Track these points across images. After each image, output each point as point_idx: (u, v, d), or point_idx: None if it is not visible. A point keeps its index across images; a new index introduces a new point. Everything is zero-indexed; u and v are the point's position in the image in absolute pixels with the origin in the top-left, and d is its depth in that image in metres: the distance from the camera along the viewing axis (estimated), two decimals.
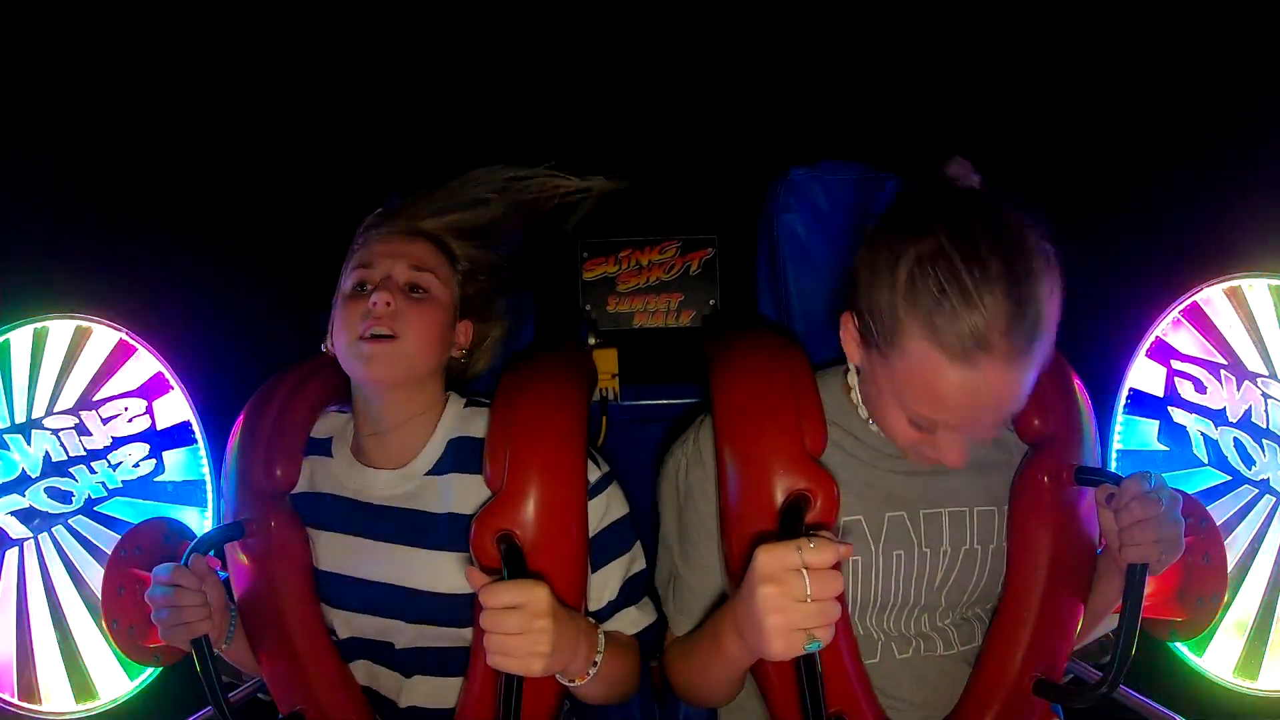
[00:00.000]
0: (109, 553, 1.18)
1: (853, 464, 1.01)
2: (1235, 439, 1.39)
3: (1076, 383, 1.09)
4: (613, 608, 1.05)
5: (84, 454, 1.39)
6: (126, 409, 1.41)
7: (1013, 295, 0.77)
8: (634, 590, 1.07)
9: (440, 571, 1.02)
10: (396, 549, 1.04)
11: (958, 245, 0.78)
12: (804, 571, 0.77)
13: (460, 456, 1.06)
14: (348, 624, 1.06)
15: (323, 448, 1.11)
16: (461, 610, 1.01)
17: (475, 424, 1.08)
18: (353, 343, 1.01)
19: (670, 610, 1.09)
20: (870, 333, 0.87)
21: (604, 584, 1.04)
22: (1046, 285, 0.80)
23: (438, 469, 1.06)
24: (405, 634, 1.04)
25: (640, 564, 1.08)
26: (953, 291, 0.77)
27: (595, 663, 0.95)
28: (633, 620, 1.06)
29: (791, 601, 0.77)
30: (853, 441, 1.03)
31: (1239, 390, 1.39)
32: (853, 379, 1.04)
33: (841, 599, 0.80)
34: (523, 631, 0.84)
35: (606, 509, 1.05)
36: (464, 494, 1.03)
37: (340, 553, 1.05)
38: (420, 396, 1.07)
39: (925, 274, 0.79)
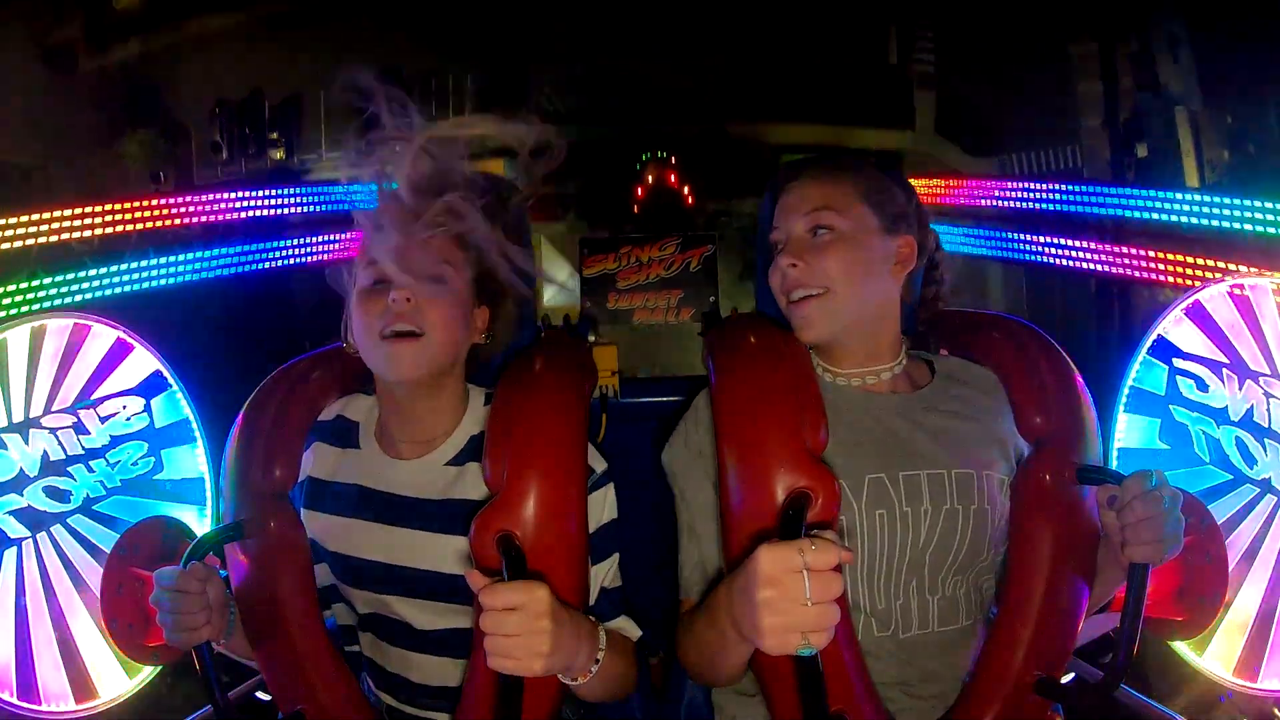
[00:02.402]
0: (108, 552, 1.18)
1: (834, 428, 1.02)
2: (1237, 438, 1.38)
3: (1078, 381, 1.09)
4: (602, 612, 1.05)
5: (82, 453, 1.38)
6: (125, 407, 1.40)
7: (815, 161, 1.18)
8: (618, 601, 1.07)
9: (460, 554, 1.03)
10: (418, 534, 1.05)
11: None
12: (804, 574, 0.77)
13: (480, 451, 1.07)
14: (368, 603, 1.09)
15: (350, 437, 1.12)
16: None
17: None
18: (376, 342, 1.01)
19: (683, 578, 1.09)
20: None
21: (596, 582, 1.05)
22: (847, 163, 1.14)
23: (457, 460, 1.08)
24: (425, 613, 1.06)
25: (617, 579, 1.08)
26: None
27: (597, 660, 0.95)
28: (627, 631, 1.07)
29: (791, 604, 0.77)
30: (832, 406, 1.04)
31: (1241, 389, 1.39)
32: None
33: (842, 601, 0.80)
34: (523, 633, 0.84)
35: (604, 509, 1.06)
36: (480, 483, 1.05)
37: (365, 539, 1.07)
38: (443, 388, 1.08)
39: None
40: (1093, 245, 1.95)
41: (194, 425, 1.43)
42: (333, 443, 1.12)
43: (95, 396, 1.39)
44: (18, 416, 1.37)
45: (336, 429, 1.13)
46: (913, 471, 1.03)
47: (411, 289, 1.00)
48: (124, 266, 1.58)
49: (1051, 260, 2.07)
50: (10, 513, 1.35)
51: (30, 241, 1.52)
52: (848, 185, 1.09)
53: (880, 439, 1.05)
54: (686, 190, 3.09)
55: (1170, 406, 1.42)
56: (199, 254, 1.68)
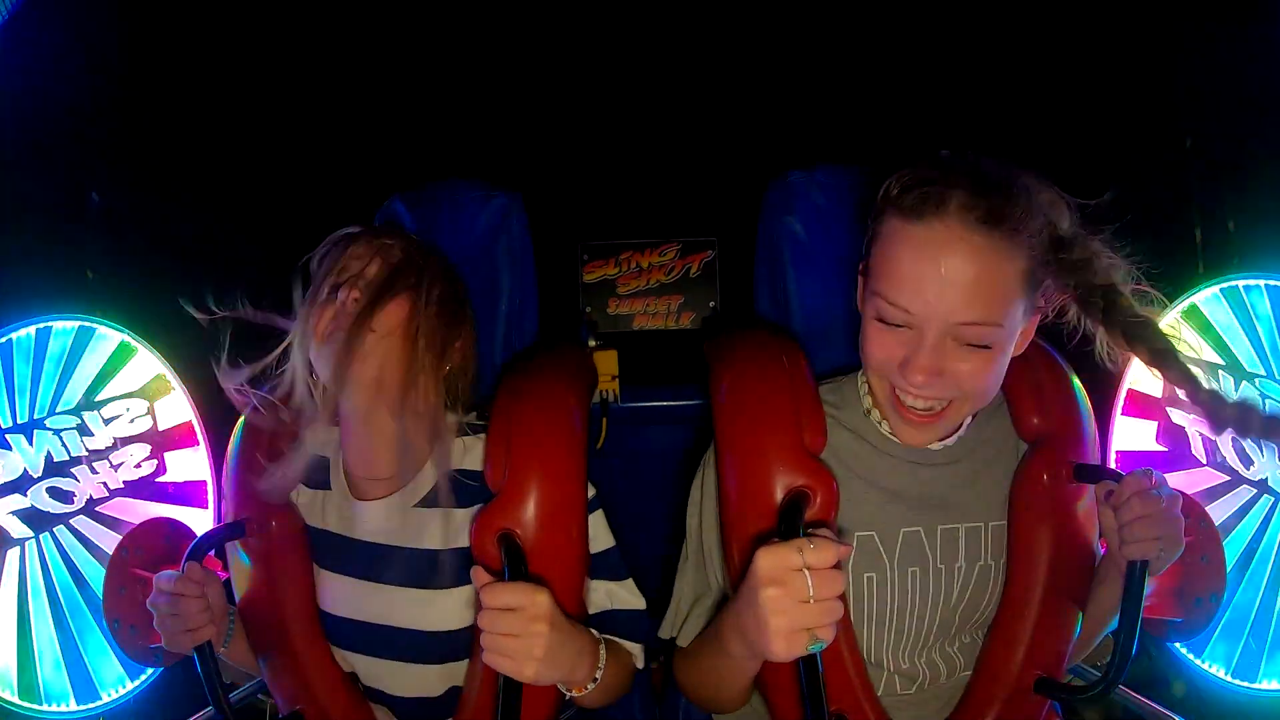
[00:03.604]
0: (110, 553, 1.18)
1: (871, 476, 1.01)
2: (1233, 439, 1.39)
3: (1075, 382, 1.10)
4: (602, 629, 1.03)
5: (86, 454, 1.38)
6: (128, 409, 1.41)
7: (977, 180, 0.83)
8: (622, 624, 1.04)
9: (435, 610, 1.01)
10: (388, 589, 1.02)
11: (938, 161, 0.87)
12: (806, 572, 0.77)
13: (457, 491, 0.99)
14: (344, 661, 1.06)
15: (321, 475, 1.07)
16: (456, 646, 1.01)
17: (473, 454, 1.04)
18: (321, 348, 0.94)
19: (685, 621, 1.08)
20: (865, 254, 0.92)
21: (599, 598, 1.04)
22: (1021, 192, 0.84)
23: (429, 501, 1.02)
24: (402, 674, 1.04)
25: (630, 601, 1.05)
26: (923, 173, 0.85)
27: (596, 679, 0.95)
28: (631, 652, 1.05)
29: (795, 603, 0.78)
30: (871, 451, 1.02)
31: (1237, 391, 1.39)
32: (861, 378, 1.04)
33: (843, 597, 0.80)
34: (519, 634, 0.85)
35: (596, 534, 1.04)
36: (460, 530, 1.00)
37: (334, 591, 1.04)
38: (403, 403, 0.98)
39: (906, 176, 0.86)
40: None
41: (197, 428, 1.43)
42: (305, 483, 1.08)
43: (99, 398, 1.40)
44: (22, 417, 1.38)
45: (310, 467, 1.04)
46: (951, 525, 1.00)
47: (361, 289, 0.95)
48: None
49: None
50: (13, 513, 1.35)
51: None
52: (1016, 264, 0.83)
53: (920, 490, 1.00)
54: None
55: (1167, 408, 1.42)
56: None
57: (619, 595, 1.05)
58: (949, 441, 1.01)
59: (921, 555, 0.99)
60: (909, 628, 1.00)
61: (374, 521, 1.03)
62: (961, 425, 1.00)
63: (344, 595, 1.04)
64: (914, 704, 1.02)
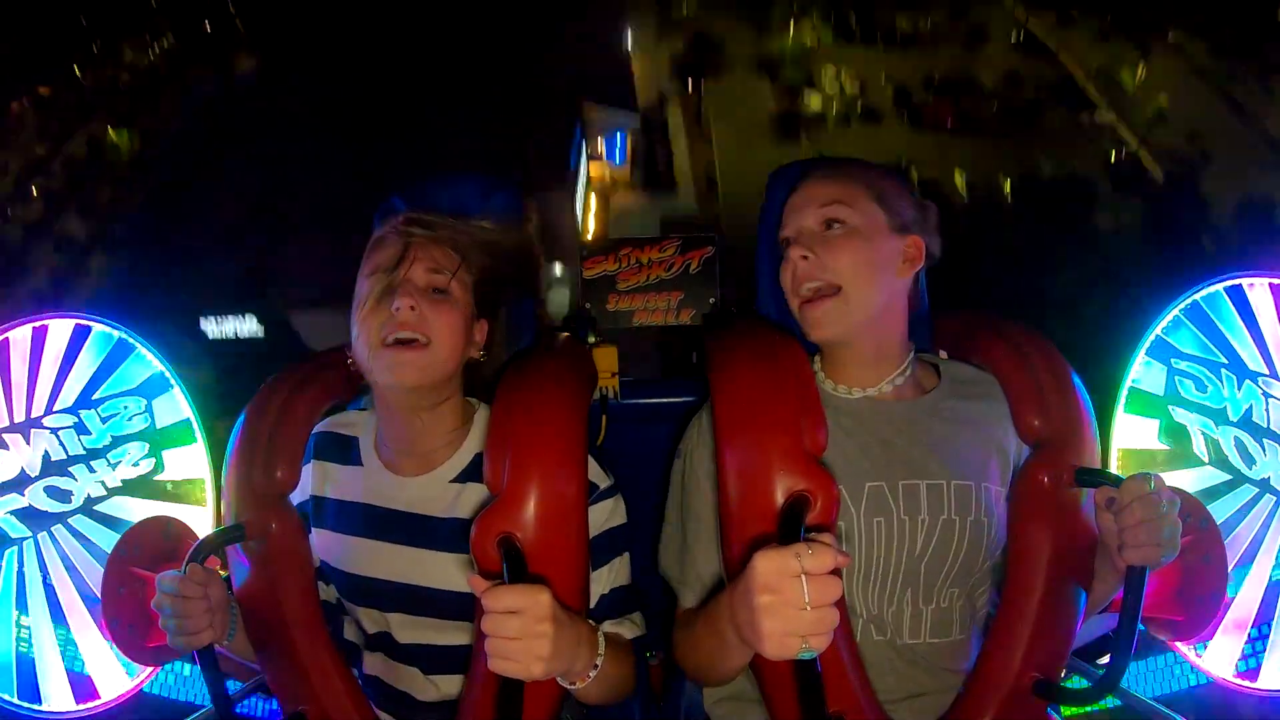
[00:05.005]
0: (109, 552, 1.18)
1: (835, 437, 1.02)
2: (1236, 438, 1.38)
3: (1076, 382, 1.09)
4: (599, 617, 1.05)
5: (83, 453, 1.38)
6: (126, 408, 1.40)
7: (826, 159, 1.18)
8: (619, 602, 1.07)
9: (465, 570, 1.03)
10: (425, 553, 1.06)
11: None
12: (803, 578, 0.77)
13: (482, 469, 1.06)
14: (375, 621, 1.09)
15: (350, 453, 1.12)
16: None
17: None
18: (378, 351, 1.01)
19: (677, 582, 1.10)
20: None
21: (594, 587, 1.05)
22: (858, 163, 1.17)
23: (462, 478, 1.08)
24: (431, 630, 1.06)
25: (625, 578, 1.08)
26: None
27: (596, 665, 0.95)
28: (624, 633, 1.07)
29: (789, 609, 0.78)
30: (834, 414, 1.04)
31: (1239, 389, 1.39)
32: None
33: (841, 604, 0.80)
34: (524, 636, 0.85)
35: (608, 517, 1.07)
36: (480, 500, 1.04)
37: (373, 557, 1.07)
38: (442, 400, 1.08)
39: None
40: None
41: (195, 426, 1.43)
42: (334, 459, 1.12)
43: (97, 397, 1.39)
44: (19, 416, 1.37)
45: (336, 445, 1.13)
46: (912, 481, 1.03)
47: (415, 297, 1.01)
48: None
49: None
50: (11, 512, 1.35)
51: None
52: (859, 183, 1.11)
53: (881, 449, 1.05)
54: None
55: (1169, 407, 1.42)
56: None
57: (606, 576, 1.07)
58: (885, 388, 1.09)
59: (885, 507, 1.02)
60: (875, 572, 1.03)
61: (415, 494, 1.08)
62: (903, 370, 1.10)
63: (382, 559, 1.07)
64: (887, 660, 1.03)
